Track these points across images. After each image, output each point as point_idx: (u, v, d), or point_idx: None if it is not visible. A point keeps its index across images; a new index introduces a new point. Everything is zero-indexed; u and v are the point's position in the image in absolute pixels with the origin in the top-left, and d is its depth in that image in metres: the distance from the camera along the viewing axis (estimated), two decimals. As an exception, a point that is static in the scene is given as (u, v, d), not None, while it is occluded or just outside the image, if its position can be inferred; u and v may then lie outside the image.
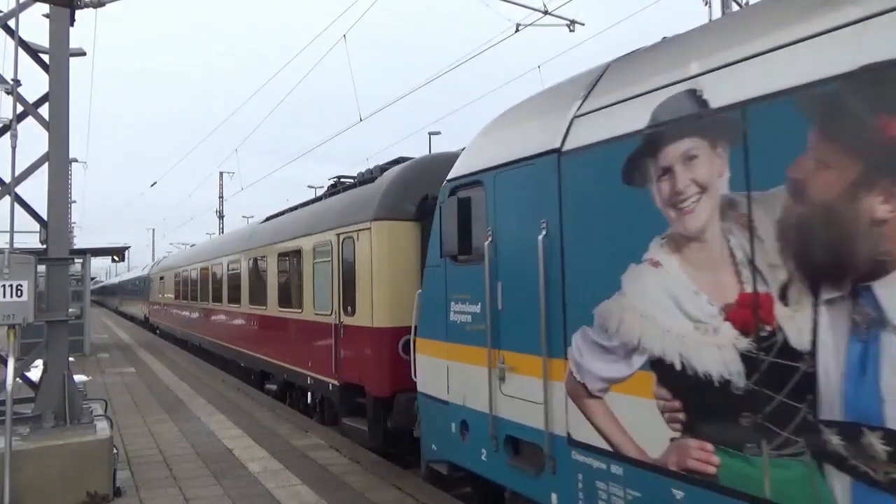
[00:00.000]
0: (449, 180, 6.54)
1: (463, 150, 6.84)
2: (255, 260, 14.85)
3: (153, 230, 78.29)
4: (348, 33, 14.41)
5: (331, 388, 10.26)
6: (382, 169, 10.19)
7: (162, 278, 30.60)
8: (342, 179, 11.99)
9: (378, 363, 8.72)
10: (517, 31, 12.16)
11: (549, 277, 4.96)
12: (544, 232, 5.01)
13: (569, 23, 12.50)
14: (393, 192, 9.04)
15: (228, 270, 17.47)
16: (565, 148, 4.91)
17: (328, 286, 10.30)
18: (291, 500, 7.18)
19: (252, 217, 46.45)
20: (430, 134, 35.84)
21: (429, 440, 6.97)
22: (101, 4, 8.08)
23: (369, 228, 8.99)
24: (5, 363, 7.04)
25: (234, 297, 16.70)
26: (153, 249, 77.49)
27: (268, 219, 15.67)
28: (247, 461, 8.85)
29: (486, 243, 5.68)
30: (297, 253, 11.90)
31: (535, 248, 5.04)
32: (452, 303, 6.33)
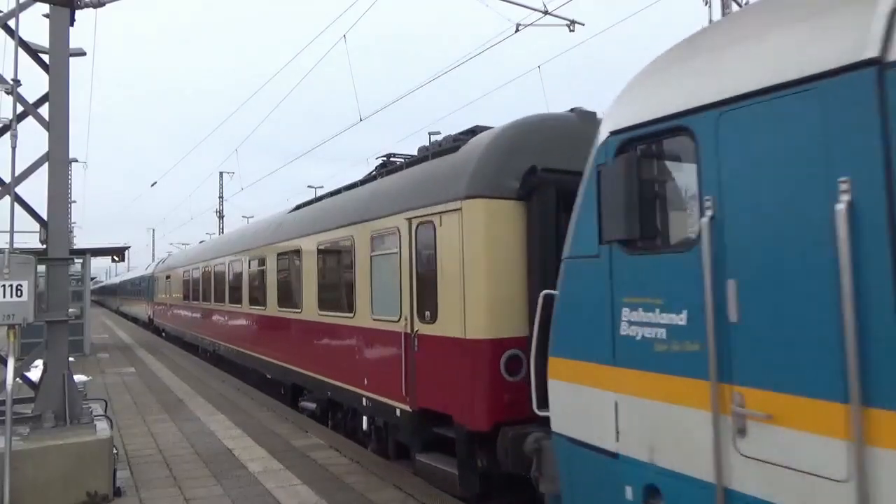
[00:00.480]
0: (615, 132, 4.63)
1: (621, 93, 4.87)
2: (285, 255, 12.75)
3: (153, 230, 78.40)
4: (348, 33, 14.40)
5: (399, 413, 8.17)
6: (456, 140, 8.29)
7: (168, 277, 28.67)
8: (392, 158, 10.30)
9: (472, 386, 6.76)
10: (517, 31, 12.16)
11: (861, 270, 3.17)
12: (847, 197, 3.24)
13: (569, 23, 12.49)
14: (492, 161, 7.02)
15: (250, 268, 15.37)
16: (894, 56, 3.15)
17: (393, 285, 8.30)
18: (291, 500, 7.18)
19: (252, 217, 46.47)
20: (430, 134, 35.77)
21: None
22: (101, 4, 8.09)
23: (459, 209, 7.03)
24: (5, 363, 7.04)
25: (258, 299, 14.55)
26: (153, 249, 77.58)
27: (297, 207, 13.59)
28: (247, 461, 8.85)
29: (705, 220, 3.84)
30: (346, 245, 9.87)
31: (823, 224, 3.32)
32: (626, 309, 4.46)
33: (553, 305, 5.20)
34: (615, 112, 4.76)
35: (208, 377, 17.60)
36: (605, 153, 4.67)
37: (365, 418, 9.59)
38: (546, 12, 11.89)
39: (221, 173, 47.94)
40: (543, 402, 5.29)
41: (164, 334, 31.73)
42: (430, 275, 7.54)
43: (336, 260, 10.51)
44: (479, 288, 6.80)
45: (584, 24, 12.64)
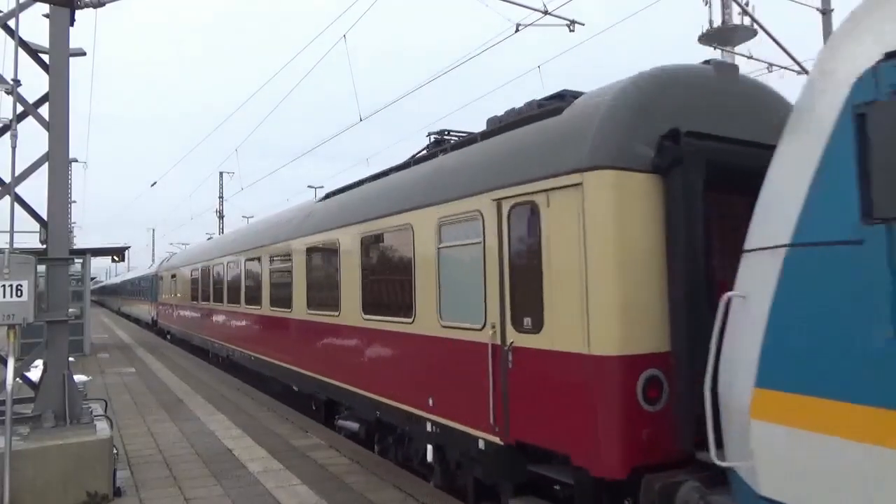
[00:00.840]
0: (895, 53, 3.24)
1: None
2: (317, 250, 11.19)
3: (153, 230, 78.66)
4: (348, 33, 14.40)
5: (483, 446, 6.59)
6: (540, 105, 6.86)
7: (174, 276, 26.86)
8: (449, 136, 9.04)
9: (601, 418, 5.20)
10: (517, 31, 12.16)
11: None
12: None
13: (569, 23, 12.48)
14: (623, 121, 5.44)
15: (271, 265, 13.66)
16: None
17: (473, 284, 6.72)
18: (291, 500, 7.19)
19: (252, 217, 46.50)
20: (429, 134, 35.78)
21: None
22: (101, 4, 8.08)
23: (578, 184, 5.41)
24: (5, 363, 7.05)
25: (282, 300, 12.82)
26: (153, 249, 77.79)
27: (329, 195, 12.01)
28: (247, 461, 8.85)
29: None
30: (402, 235, 8.26)
31: None
32: None
33: (730, 312, 4.07)
34: (887, 23, 3.26)
35: (208, 377, 17.60)
36: (876, 86, 3.21)
37: (430, 447, 7.78)
38: (546, 12, 11.88)
39: (221, 173, 48.06)
40: (720, 444, 4.11)
41: (169, 337, 30.16)
42: (531, 271, 5.96)
43: (386, 253, 8.93)
44: (608, 288, 5.21)
45: (584, 24, 12.63)
